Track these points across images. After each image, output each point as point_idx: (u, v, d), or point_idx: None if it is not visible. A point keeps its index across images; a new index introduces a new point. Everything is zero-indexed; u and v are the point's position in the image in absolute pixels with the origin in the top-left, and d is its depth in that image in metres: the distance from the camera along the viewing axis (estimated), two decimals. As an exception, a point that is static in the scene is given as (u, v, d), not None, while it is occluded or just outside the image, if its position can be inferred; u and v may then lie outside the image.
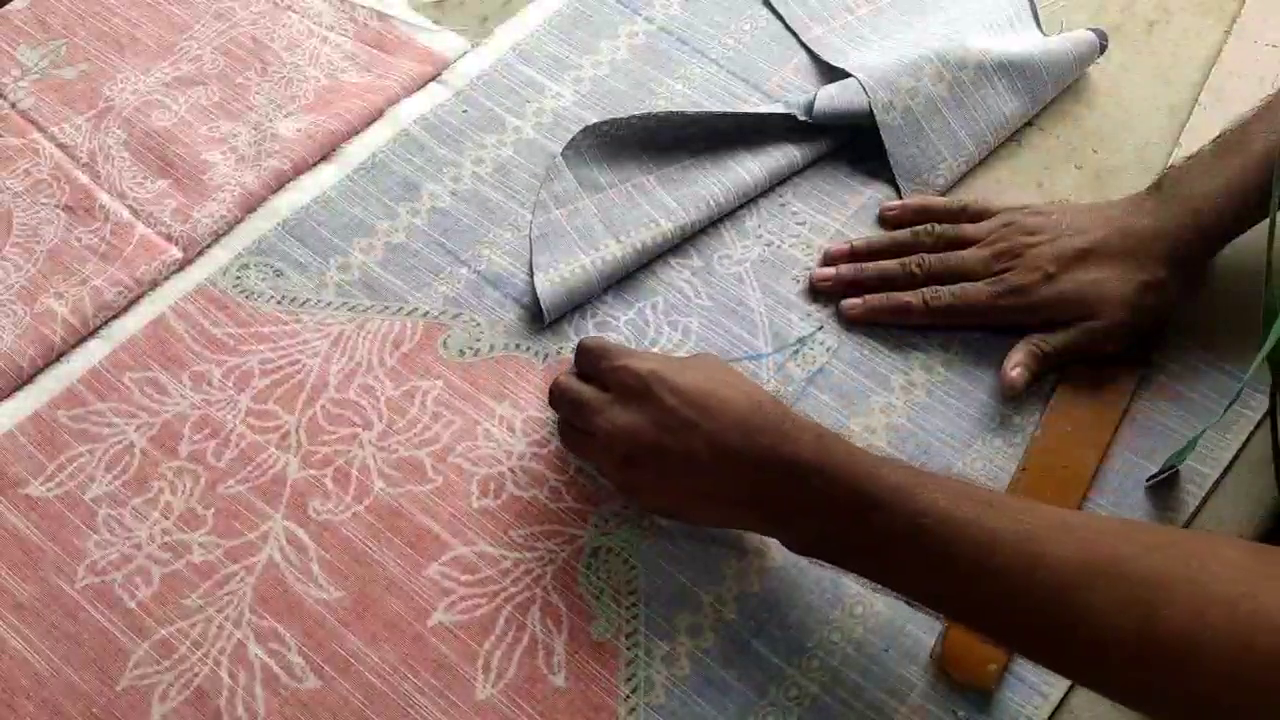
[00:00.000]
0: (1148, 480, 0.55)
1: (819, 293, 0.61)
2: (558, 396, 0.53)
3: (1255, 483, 0.55)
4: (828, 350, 0.59)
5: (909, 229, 0.61)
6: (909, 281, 0.59)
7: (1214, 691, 0.38)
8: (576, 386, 0.52)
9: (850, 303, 0.60)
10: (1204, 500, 0.55)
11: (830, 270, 0.61)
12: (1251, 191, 0.54)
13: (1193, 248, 0.56)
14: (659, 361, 0.51)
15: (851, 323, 0.60)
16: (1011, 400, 0.57)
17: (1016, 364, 0.56)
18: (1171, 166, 0.59)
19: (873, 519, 0.44)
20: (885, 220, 0.63)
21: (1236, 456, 0.56)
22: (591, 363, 0.52)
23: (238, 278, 0.61)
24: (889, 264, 0.60)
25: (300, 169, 0.65)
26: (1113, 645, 0.39)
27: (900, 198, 0.64)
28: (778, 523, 0.48)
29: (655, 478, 0.50)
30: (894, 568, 0.45)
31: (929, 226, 0.61)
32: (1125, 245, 0.56)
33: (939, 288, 0.58)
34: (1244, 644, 0.37)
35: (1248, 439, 0.56)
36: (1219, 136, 0.58)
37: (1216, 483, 0.55)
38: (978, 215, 0.61)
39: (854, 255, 0.61)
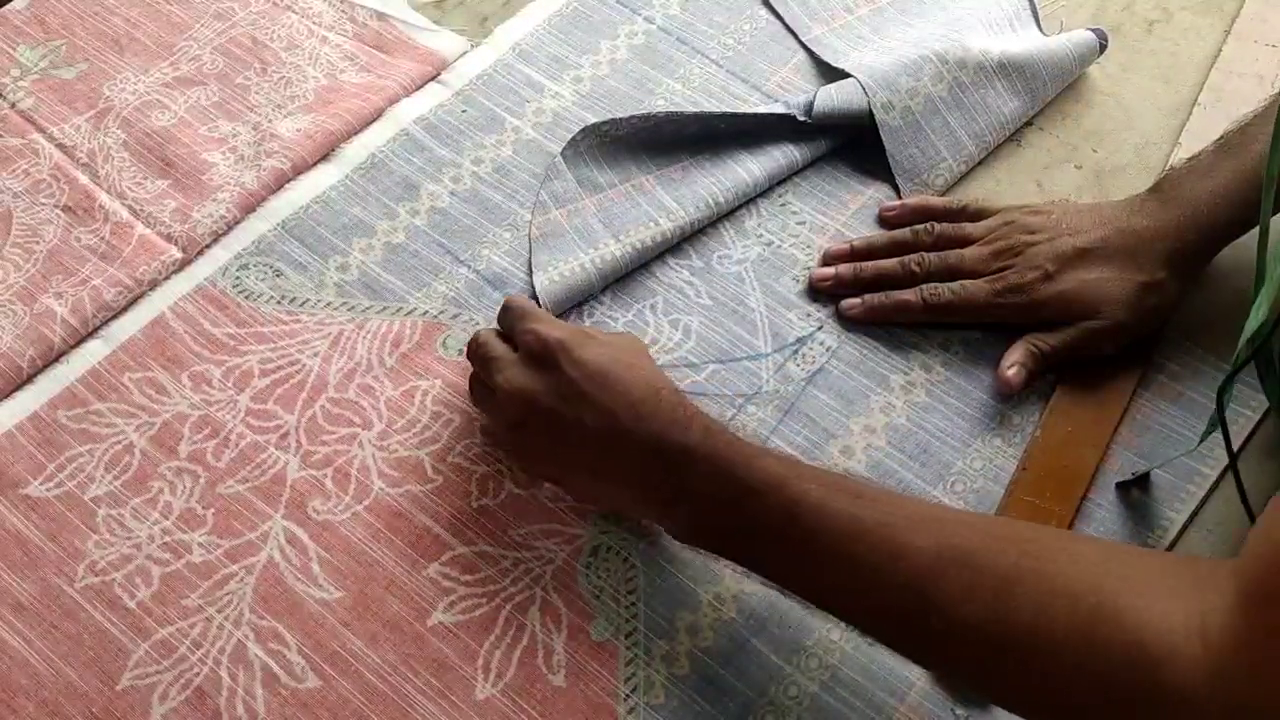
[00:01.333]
0: (1118, 483, 0.55)
1: (818, 293, 0.61)
2: (473, 349, 0.53)
3: (1257, 482, 0.55)
4: (827, 350, 0.59)
5: (908, 228, 0.61)
6: (908, 280, 0.59)
7: (1060, 682, 0.39)
8: (491, 341, 0.53)
9: (849, 303, 0.60)
10: (1204, 500, 0.55)
11: (829, 270, 0.61)
12: (1251, 193, 0.54)
13: (1193, 249, 0.56)
14: (570, 332, 0.51)
15: (851, 322, 0.60)
16: (1010, 400, 0.57)
17: (1014, 363, 0.56)
18: (1172, 168, 0.59)
19: (749, 506, 0.46)
20: (885, 220, 0.63)
21: (1237, 456, 0.56)
22: (510, 321, 0.53)
23: (237, 278, 0.61)
24: (888, 263, 0.60)
25: (300, 169, 0.65)
26: (963, 634, 0.41)
27: (900, 198, 0.64)
28: (659, 507, 0.49)
29: (545, 444, 0.51)
30: (767, 555, 0.47)
31: (928, 225, 0.61)
32: (1125, 245, 0.56)
33: (938, 285, 0.58)
34: (1086, 636, 0.38)
35: (1248, 438, 0.56)
36: (1220, 138, 0.58)
37: (1216, 483, 0.55)
38: (977, 215, 0.61)
39: (854, 255, 0.61)
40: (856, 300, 0.60)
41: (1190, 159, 0.58)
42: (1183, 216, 0.56)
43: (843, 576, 0.44)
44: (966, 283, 0.58)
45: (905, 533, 0.43)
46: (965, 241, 0.60)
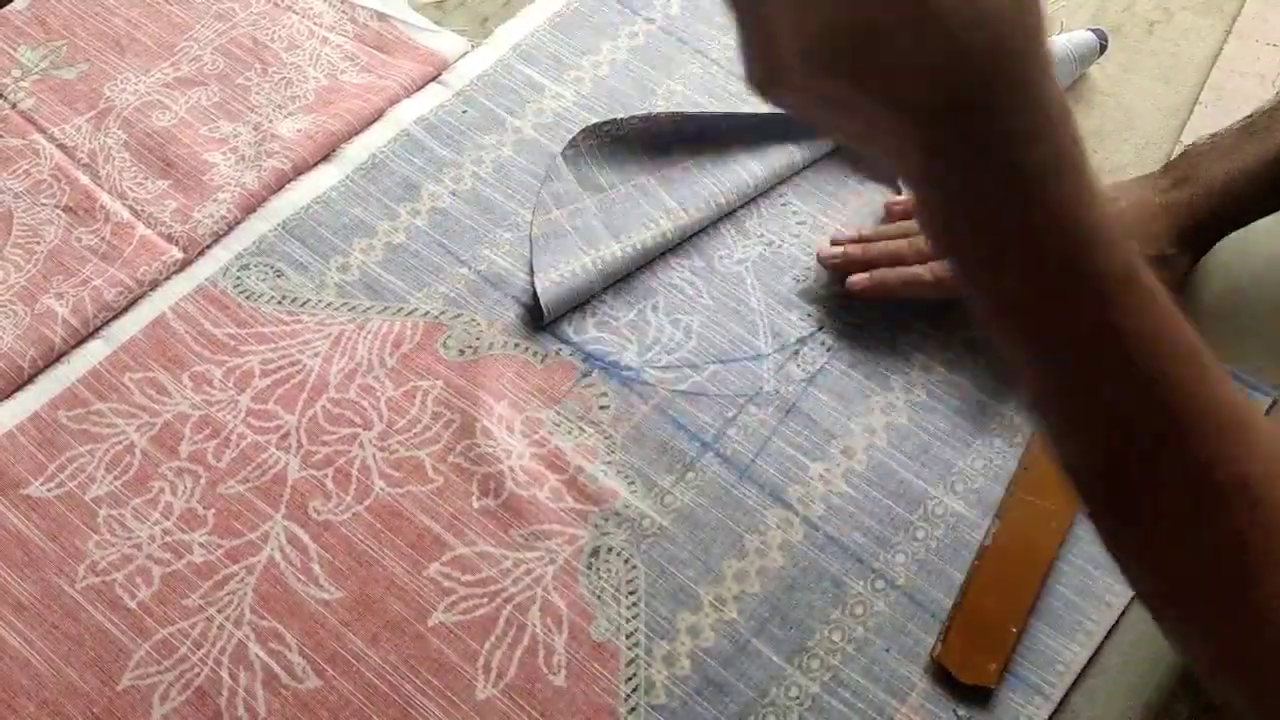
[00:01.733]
0: None
1: (820, 292, 0.61)
2: None
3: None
4: (828, 350, 0.59)
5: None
6: (916, 259, 0.58)
7: None
8: None
9: (857, 277, 0.59)
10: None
11: (837, 249, 0.60)
12: (1272, 177, 0.54)
13: (1205, 225, 0.56)
14: None
15: (858, 298, 0.59)
16: (1010, 400, 0.57)
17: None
18: (1194, 143, 0.58)
19: (1086, 260, 0.32)
20: (892, 213, 0.63)
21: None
22: None
23: (238, 278, 0.61)
24: (897, 242, 0.59)
25: (300, 169, 0.65)
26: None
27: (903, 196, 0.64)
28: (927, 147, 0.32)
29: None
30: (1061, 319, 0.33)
31: None
32: (1137, 219, 0.56)
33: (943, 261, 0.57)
34: None
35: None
36: (1247, 118, 0.57)
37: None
38: None
39: (862, 239, 0.61)
40: (864, 275, 0.59)
41: (1213, 136, 0.57)
42: (1196, 195, 0.56)
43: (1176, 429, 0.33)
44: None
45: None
46: None
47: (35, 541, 0.53)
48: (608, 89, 0.69)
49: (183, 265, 0.62)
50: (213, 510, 0.54)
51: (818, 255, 0.61)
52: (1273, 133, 0.56)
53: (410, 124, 0.67)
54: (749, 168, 0.64)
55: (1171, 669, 0.50)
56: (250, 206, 0.64)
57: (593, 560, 0.53)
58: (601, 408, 0.57)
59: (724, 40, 0.71)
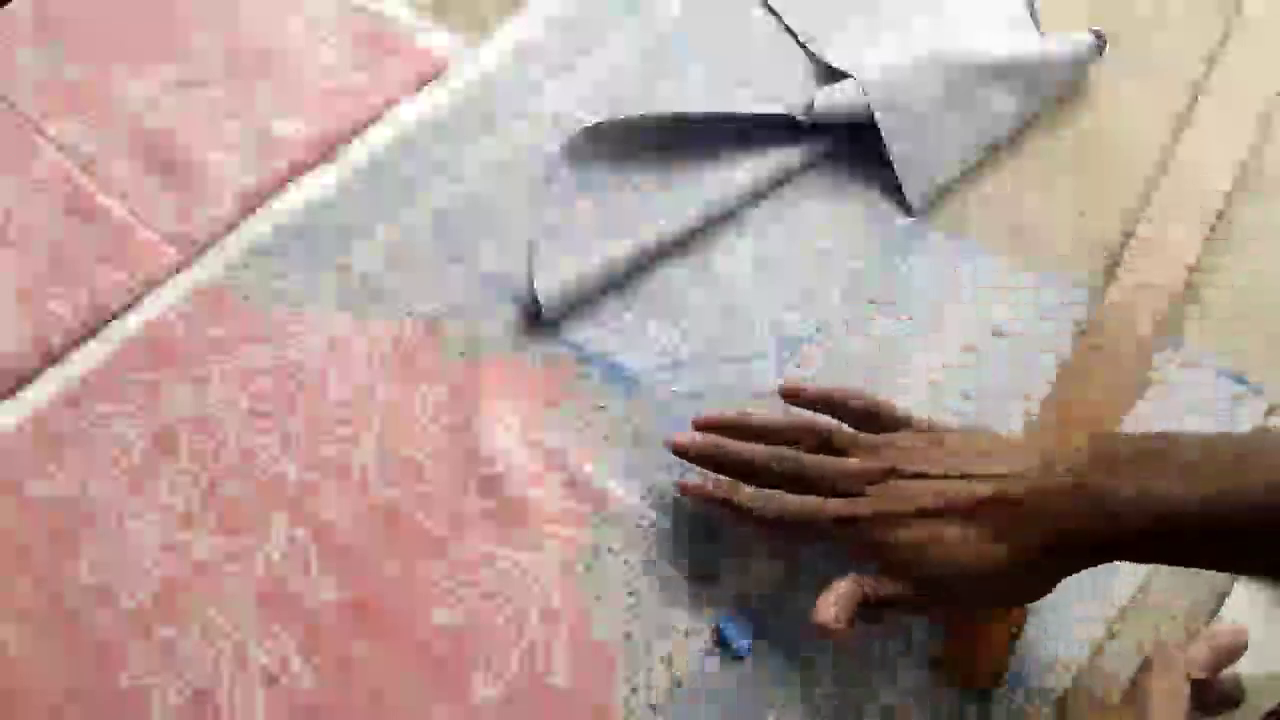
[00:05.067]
0: None
1: (668, 447, 0.53)
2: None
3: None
4: (827, 352, 0.59)
5: (806, 418, 0.53)
6: (760, 473, 0.50)
7: None
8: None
9: (684, 482, 0.53)
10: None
11: (685, 437, 0.52)
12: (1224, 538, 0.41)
13: (1092, 555, 0.44)
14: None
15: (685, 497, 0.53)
16: (1011, 397, 0.57)
17: (833, 603, 0.46)
18: (1157, 440, 0.43)
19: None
20: (786, 396, 0.54)
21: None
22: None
23: (237, 278, 0.61)
24: (752, 449, 0.51)
25: (300, 169, 0.65)
26: None
27: (903, 196, 0.64)
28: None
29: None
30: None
31: (820, 427, 0.51)
32: (1014, 513, 0.44)
33: (779, 495, 0.49)
34: None
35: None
36: (1213, 443, 0.42)
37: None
38: (890, 422, 0.51)
39: (736, 427, 0.53)
40: (699, 481, 0.52)
41: (1172, 439, 0.42)
42: (1108, 527, 0.42)
43: None
44: (809, 499, 0.48)
45: None
46: (843, 450, 0.50)
47: (34, 542, 0.53)
48: (608, 89, 0.69)
49: (182, 265, 0.62)
50: (212, 510, 0.54)
51: (666, 441, 0.53)
52: (1245, 475, 0.40)
53: (410, 124, 0.67)
54: (748, 168, 0.64)
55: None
56: (249, 207, 0.64)
57: (592, 560, 0.53)
58: (601, 408, 0.57)
59: (724, 40, 0.71)
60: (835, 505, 0.47)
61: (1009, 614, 0.51)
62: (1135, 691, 0.41)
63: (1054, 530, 0.43)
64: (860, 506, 0.47)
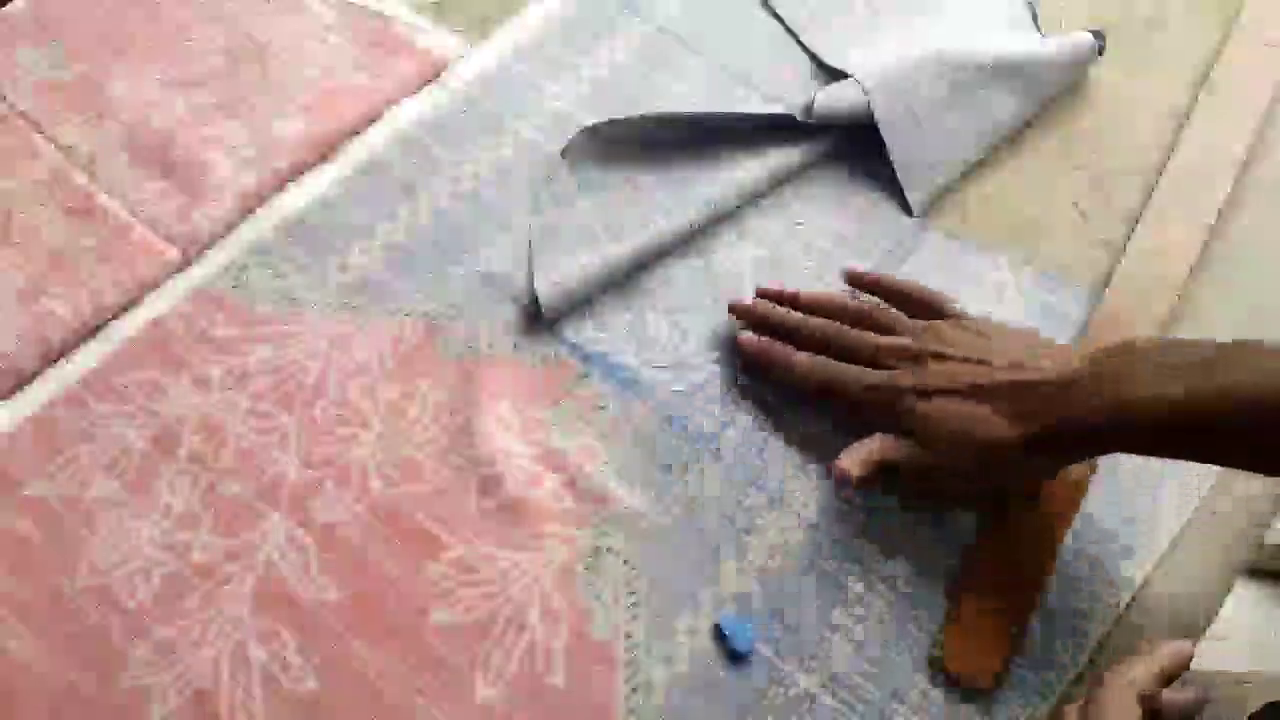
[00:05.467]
0: None
1: (731, 313, 0.59)
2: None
3: (1254, 482, 0.55)
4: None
5: (848, 294, 0.59)
6: (806, 341, 0.56)
7: None
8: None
9: (749, 337, 0.57)
10: (1203, 499, 0.55)
11: (748, 301, 0.59)
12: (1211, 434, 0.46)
13: (1088, 445, 0.49)
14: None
15: (741, 353, 0.58)
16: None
17: (849, 457, 0.52)
18: (1164, 342, 0.48)
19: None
20: (848, 280, 0.60)
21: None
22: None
23: (237, 278, 0.61)
24: (797, 318, 0.57)
25: (300, 169, 0.65)
26: None
27: (903, 197, 0.64)
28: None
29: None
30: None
31: (862, 302, 0.58)
32: (1024, 398, 0.49)
33: (826, 361, 0.55)
34: None
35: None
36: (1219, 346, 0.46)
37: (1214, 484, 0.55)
38: (932, 310, 0.56)
39: (782, 299, 0.59)
40: (754, 337, 0.57)
41: (1187, 344, 0.47)
42: (1108, 418, 0.47)
43: None
44: (850, 367, 0.54)
45: None
46: (889, 329, 0.55)
47: (34, 542, 0.53)
48: (607, 89, 0.69)
49: (182, 265, 0.62)
50: (212, 510, 0.54)
51: (730, 304, 0.59)
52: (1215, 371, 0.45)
53: (410, 124, 0.67)
54: (748, 168, 0.64)
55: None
56: (250, 206, 0.64)
57: (592, 560, 0.53)
58: (601, 408, 0.57)
59: (724, 40, 0.71)
60: (874, 376, 0.53)
61: (1009, 614, 0.51)
62: (1089, 708, 0.42)
63: (1066, 417, 0.47)
64: (894, 379, 0.53)
